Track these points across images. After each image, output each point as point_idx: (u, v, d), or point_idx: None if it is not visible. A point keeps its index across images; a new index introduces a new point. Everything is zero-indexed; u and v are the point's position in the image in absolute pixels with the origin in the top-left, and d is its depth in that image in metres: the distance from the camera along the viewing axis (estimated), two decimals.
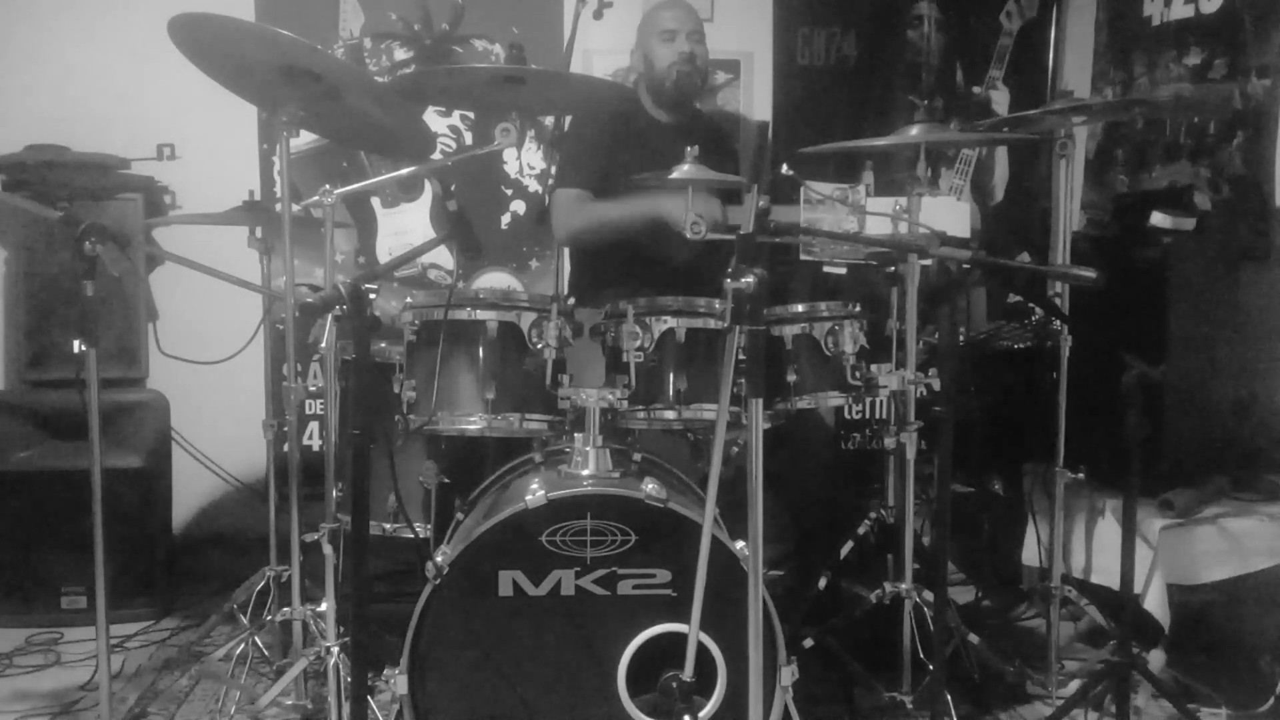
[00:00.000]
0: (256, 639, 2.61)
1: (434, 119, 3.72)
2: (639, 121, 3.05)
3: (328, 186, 2.20)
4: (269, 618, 2.60)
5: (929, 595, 2.43)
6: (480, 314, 2.19)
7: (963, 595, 3.12)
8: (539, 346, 2.20)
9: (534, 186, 3.83)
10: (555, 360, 2.19)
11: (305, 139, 3.61)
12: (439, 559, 1.98)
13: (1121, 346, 2.17)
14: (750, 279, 1.59)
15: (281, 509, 2.66)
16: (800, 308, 2.38)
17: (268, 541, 2.75)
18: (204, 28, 2.06)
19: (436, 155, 3.55)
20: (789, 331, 2.36)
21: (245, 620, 2.72)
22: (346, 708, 1.93)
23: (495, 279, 3.85)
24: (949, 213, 3.55)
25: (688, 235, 2.11)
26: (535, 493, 1.97)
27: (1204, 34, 3.32)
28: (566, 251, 3.21)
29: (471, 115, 3.76)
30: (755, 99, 3.93)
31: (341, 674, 2.14)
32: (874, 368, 2.40)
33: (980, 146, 3.99)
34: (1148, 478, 2.46)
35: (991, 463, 3.28)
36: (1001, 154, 4.06)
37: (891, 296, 2.72)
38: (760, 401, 1.63)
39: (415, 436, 2.30)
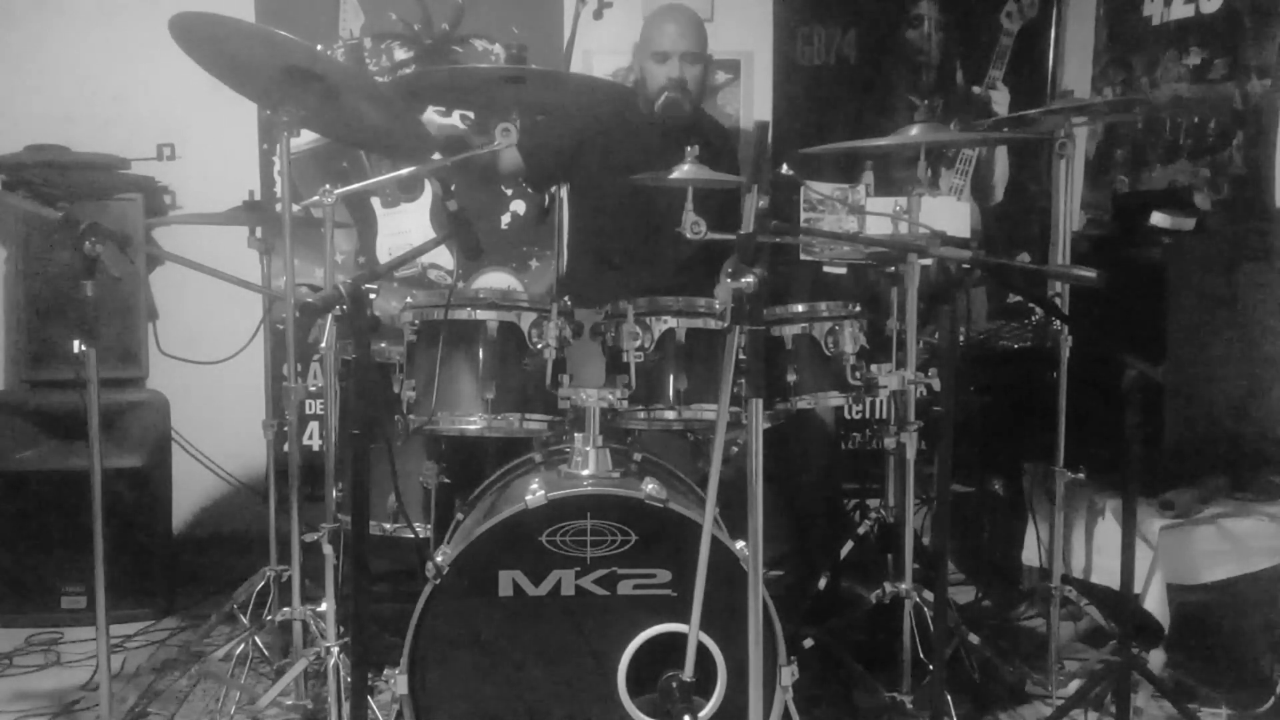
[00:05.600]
0: (256, 639, 2.61)
1: (434, 119, 3.72)
2: (634, 120, 3.05)
3: (328, 186, 2.20)
4: (269, 618, 2.60)
5: (929, 595, 2.42)
6: (480, 314, 2.20)
7: (963, 595, 3.13)
8: (539, 346, 2.20)
9: None
10: (555, 360, 2.19)
11: (305, 139, 3.61)
12: (439, 559, 1.98)
13: (1121, 346, 2.16)
14: (750, 279, 1.59)
15: (281, 509, 2.66)
16: (800, 308, 2.38)
17: (268, 541, 2.75)
18: (204, 26, 2.07)
19: (436, 155, 3.55)
20: (789, 331, 2.36)
21: (245, 620, 2.72)
22: (346, 708, 1.93)
23: (495, 279, 3.85)
24: (949, 213, 3.55)
25: (687, 235, 2.11)
26: (535, 493, 1.97)
27: (1204, 34, 3.32)
28: (566, 250, 3.21)
29: (471, 115, 3.76)
30: (755, 99, 3.93)
31: (341, 674, 2.14)
32: (874, 368, 2.40)
33: (980, 146, 3.99)
34: (1148, 478, 2.46)
35: (991, 463, 3.28)
36: (1001, 154, 4.06)
37: (891, 296, 2.72)
38: (760, 401, 1.63)
39: (415, 436, 2.30)
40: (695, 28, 2.99)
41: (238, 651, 2.59)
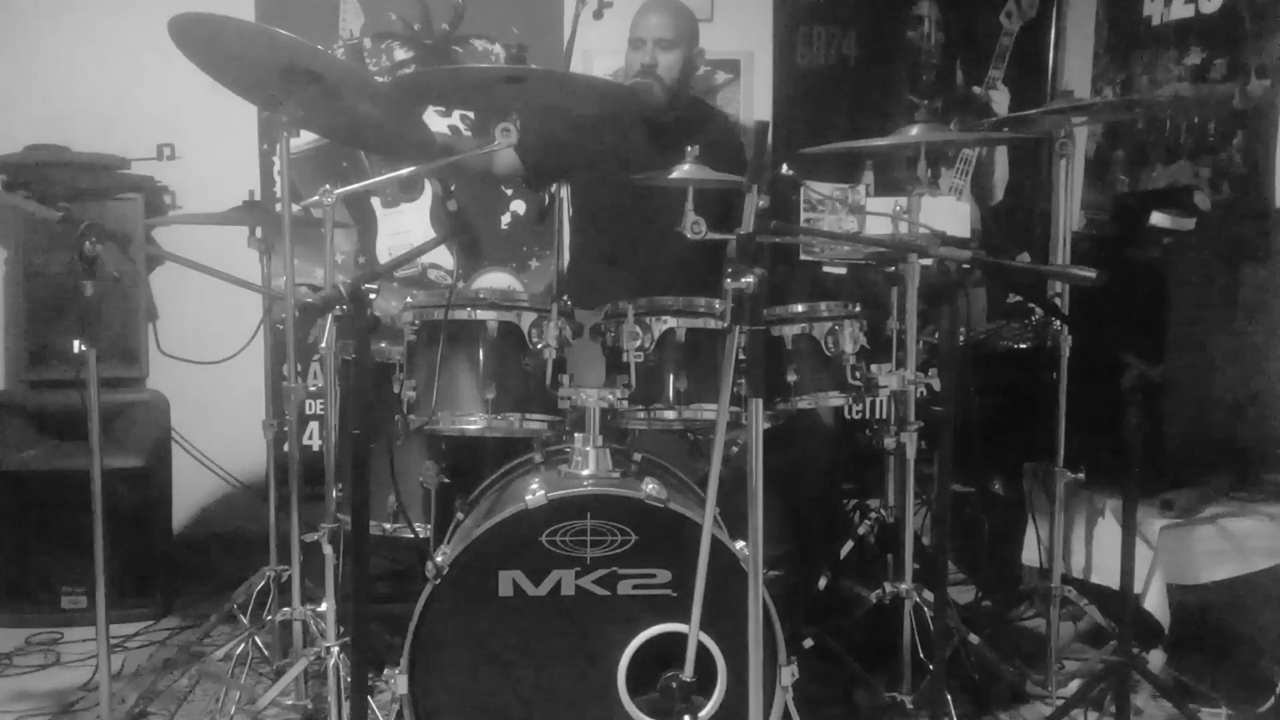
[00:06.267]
0: (256, 639, 2.61)
1: (434, 119, 3.72)
2: (634, 119, 3.04)
3: (328, 186, 2.20)
4: (269, 618, 2.60)
5: (929, 595, 2.43)
6: (480, 314, 2.19)
7: (963, 595, 3.12)
8: (539, 346, 2.20)
9: None
10: (555, 360, 2.19)
11: (305, 139, 3.61)
12: (439, 559, 1.98)
13: (1121, 346, 2.17)
14: (750, 279, 1.59)
15: (281, 509, 2.66)
16: (800, 308, 2.38)
17: (268, 541, 2.75)
18: (204, 27, 2.06)
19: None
20: (789, 331, 2.36)
21: (245, 620, 2.71)
22: (346, 708, 1.93)
23: (495, 279, 3.85)
24: (949, 213, 3.55)
25: (688, 235, 2.11)
26: (535, 493, 1.97)
27: (1204, 34, 3.32)
28: (567, 251, 3.21)
29: (471, 115, 3.76)
30: (755, 99, 3.93)
31: (341, 674, 2.14)
32: (874, 368, 2.40)
33: (980, 146, 3.99)
34: (1148, 478, 2.45)
35: (991, 463, 3.27)
36: (1001, 154, 4.06)
37: (891, 296, 2.72)
38: (760, 401, 1.63)
39: (415, 436, 2.30)
40: (675, 16, 2.99)
41: (238, 651, 2.58)
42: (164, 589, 3.26)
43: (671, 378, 2.23)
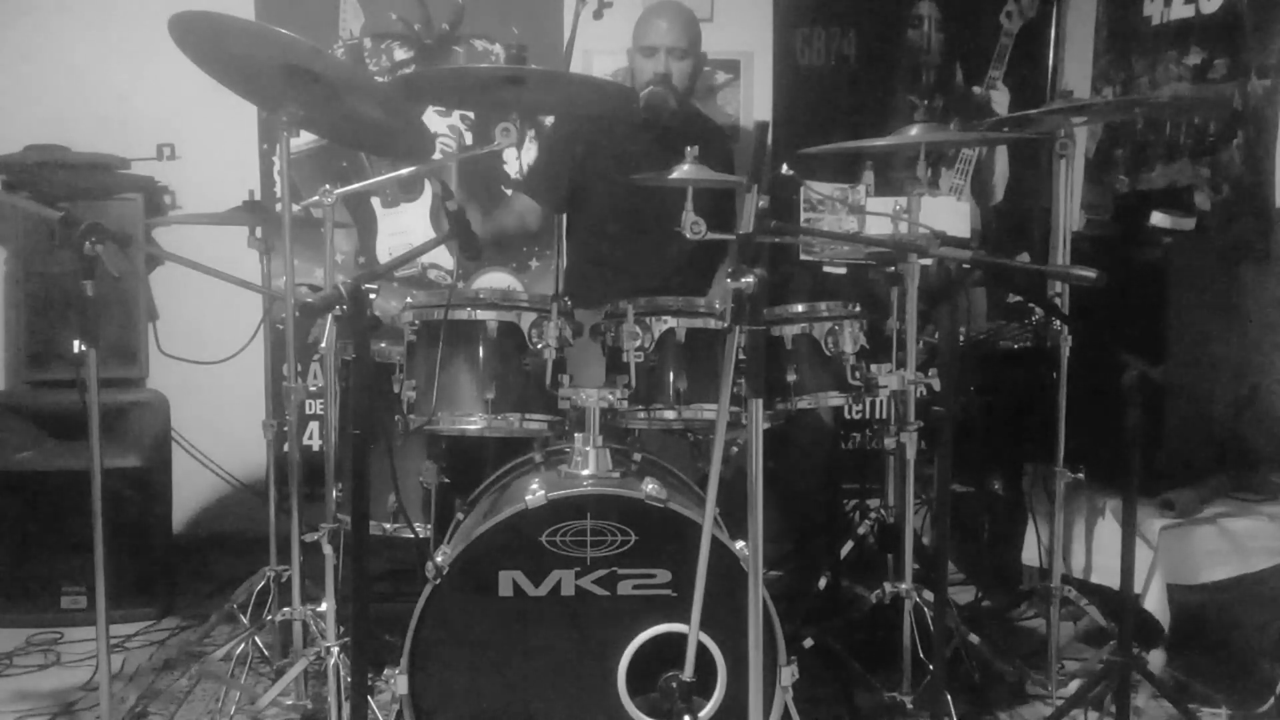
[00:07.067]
0: (256, 639, 2.61)
1: (434, 119, 3.72)
2: (629, 120, 3.05)
3: (328, 186, 2.20)
4: (269, 618, 2.60)
5: (929, 595, 2.43)
6: (480, 314, 2.20)
7: (963, 595, 3.12)
8: (539, 346, 2.20)
9: None
10: (555, 360, 2.19)
11: (305, 139, 3.61)
12: (439, 559, 1.98)
13: (1121, 346, 2.16)
14: (750, 279, 1.59)
15: (281, 509, 2.66)
16: (800, 308, 2.38)
17: (268, 541, 2.75)
18: (204, 26, 2.06)
19: (436, 155, 3.55)
20: (789, 331, 2.36)
21: (245, 620, 2.71)
22: (346, 708, 1.93)
23: (495, 279, 3.85)
24: (949, 213, 3.55)
25: (687, 235, 2.11)
26: (535, 493, 1.98)
27: (1204, 34, 3.32)
28: (565, 251, 3.21)
29: (471, 115, 3.76)
30: (755, 99, 3.93)
31: (341, 674, 2.14)
32: (874, 368, 2.40)
33: (980, 146, 3.99)
34: (1148, 478, 2.45)
35: (991, 463, 3.27)
36: (1001, 154, 4.06)
37: (891, 296, 2.72)
38: (760, 401, 1.63)
39: (415, 436, 2.30)
40: (685, 24, 2.99)
41: (238, 651, 2.58)
42: (164, 589, 3.26)
43: (671, 378, 2.23)
